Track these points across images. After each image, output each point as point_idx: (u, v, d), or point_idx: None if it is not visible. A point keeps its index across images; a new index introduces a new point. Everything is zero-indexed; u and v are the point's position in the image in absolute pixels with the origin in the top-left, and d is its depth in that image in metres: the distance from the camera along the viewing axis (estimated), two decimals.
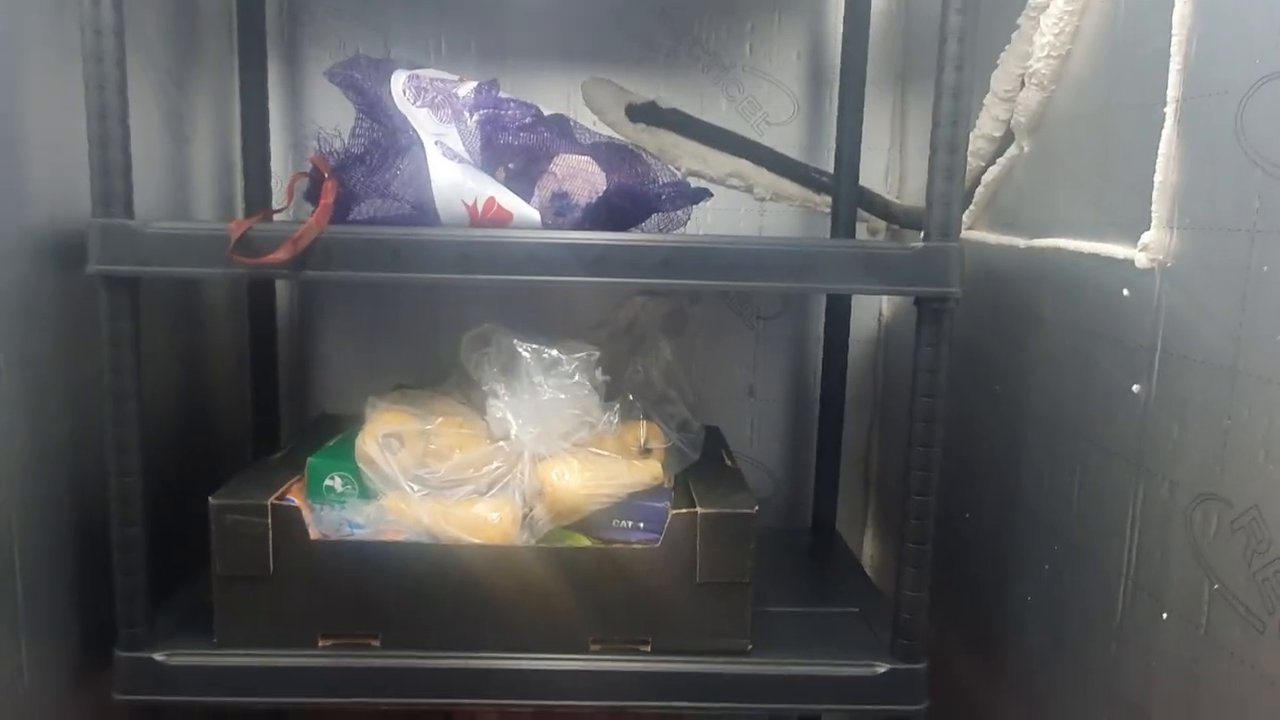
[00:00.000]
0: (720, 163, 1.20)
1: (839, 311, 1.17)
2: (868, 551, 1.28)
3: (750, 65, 1.19)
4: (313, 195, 0.88)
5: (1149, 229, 0.66)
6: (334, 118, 1.12)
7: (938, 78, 0.79)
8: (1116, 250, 0.70)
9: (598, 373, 0.88)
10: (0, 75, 0.77)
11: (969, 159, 0.93)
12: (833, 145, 1.17)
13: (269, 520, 0.83)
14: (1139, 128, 0.68)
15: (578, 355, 0.86)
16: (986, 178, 0.92)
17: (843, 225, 1.15)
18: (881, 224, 1.22)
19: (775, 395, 1.26)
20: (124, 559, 0.82)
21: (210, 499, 0.84)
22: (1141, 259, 0.66)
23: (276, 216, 1.03)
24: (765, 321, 1.24)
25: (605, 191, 0.84)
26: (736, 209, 1.21)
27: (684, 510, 0.85)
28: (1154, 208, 0.65)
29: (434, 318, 1.21)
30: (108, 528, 0.81)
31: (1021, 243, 0.87)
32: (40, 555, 0.83)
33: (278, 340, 1.16)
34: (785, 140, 1.21)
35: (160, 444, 1.00)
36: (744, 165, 1.20)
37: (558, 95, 1.18)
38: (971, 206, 0.96)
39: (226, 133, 1.13)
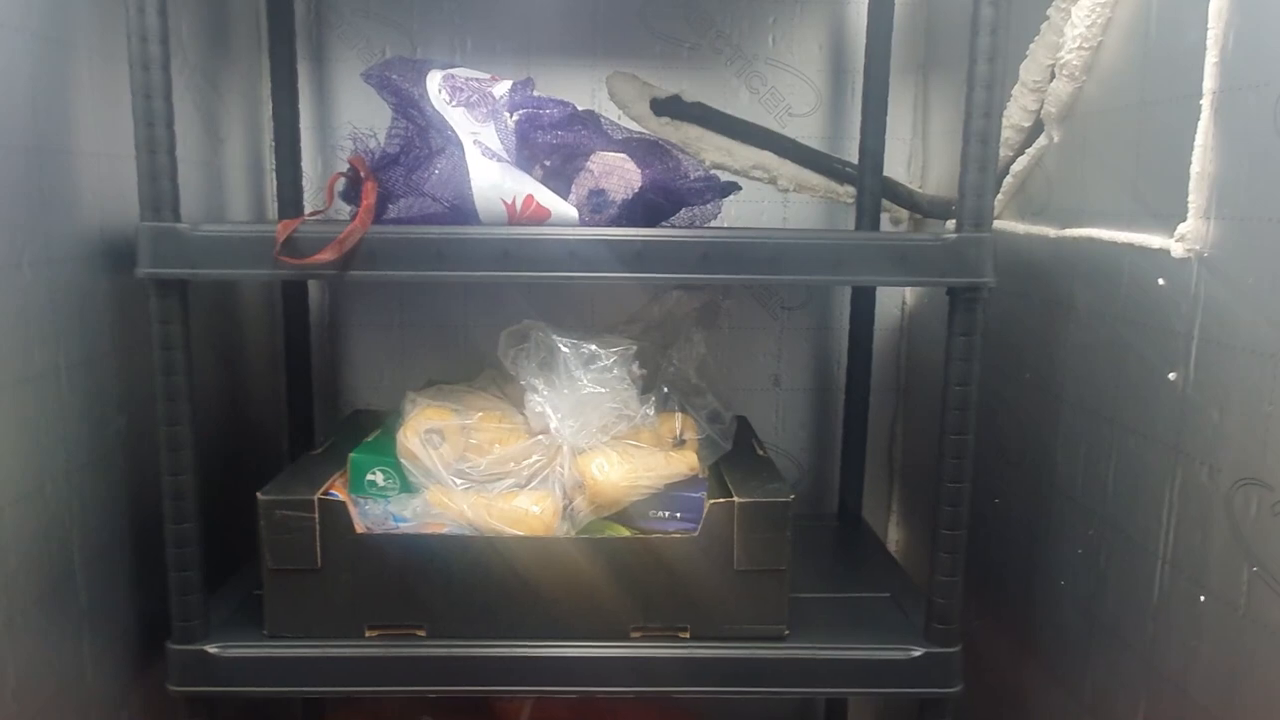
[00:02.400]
0: (744, 155, 1.21)
1: (863, 300, 1.18)
2: (893, 538, 1.30)
3: (772, 57, 1.20)
4: (350, 195, 0.90)
5: (1185, 219, 0.67)
6: (362, 117, 1.15)
7: (969, 70, 0.80)
8: (1152, 240, 0.71)
9: (635, 366, 0.90)
10: (49, 83, 0.78)
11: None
12: (854, 136, 1.18)
13: (316, 515, 0.85)
14: (1174, 120, 0.69)
15: (615, 349, 0.88)
16: (1015, 168, 0.93)
17: (867, 216, 1.16)
18: (904, 213, 1.23)
19: (800, 384, 1.28)
20: (178, 555, 0.84)
21: (258, 494, 0.85)
22: (1178, 249, 0.67)
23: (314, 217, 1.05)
24: (789, 311, 1.26)
25: (640, 188, 0.85)
26: (760, 200, 1.23)
27: (722, 500, 0.87)
28: (1190, 199, 0.66)
29: (463, 313, 1.22)
30: (160, 524, 0.83)
31: (1052, 232, 0.88)
32: (98, 552, 0.85)
33: (311, 336, 1.18)
34: (807, 131, 1.22)
35: (201, 440, 1.02)
36: (767, 157, 1.21)
37: (583, 91, 1.19)
38: (999, 195, 0.97)
39: (257, 133, 1.15)
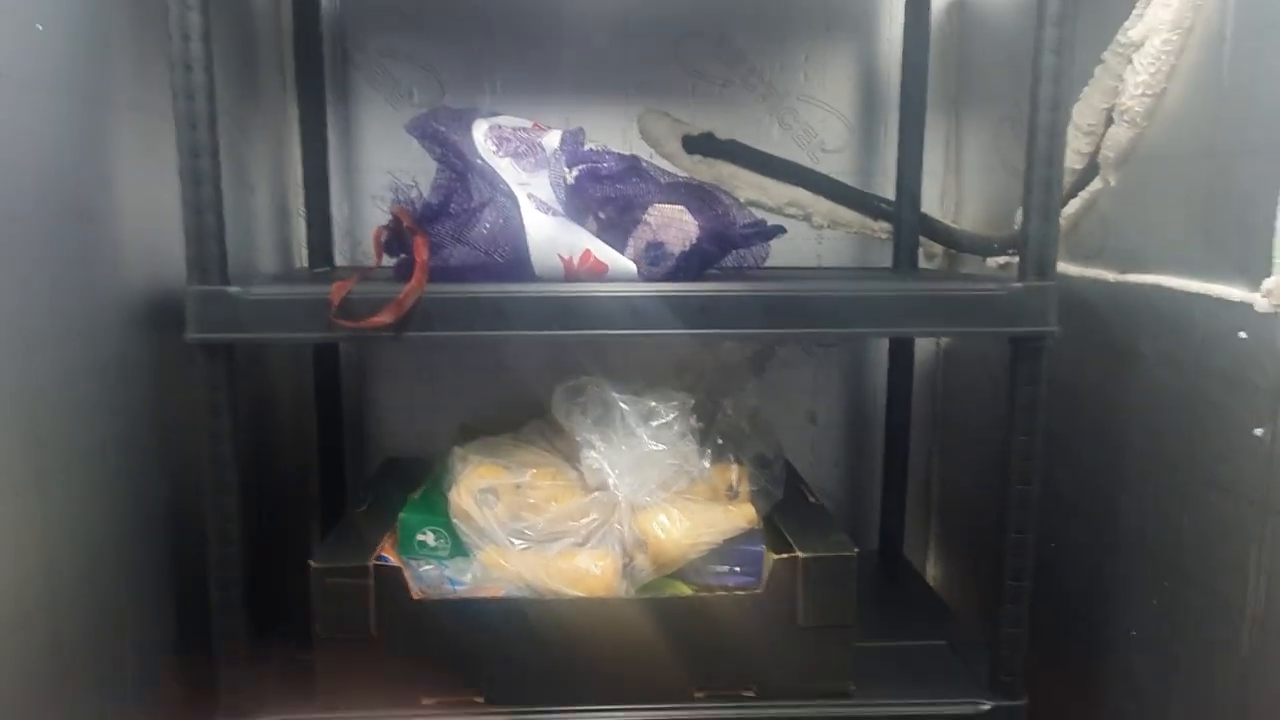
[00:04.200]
0: (778, 192, 1.19)
1: (902, 337, 1.17)
2: (931, 573, 1.29)
3: (805, 93, 1.19)
4: (393, 247, 0.87)
5: (1270, 274, 0.66)
6: (390, 160, 1.12)
7: (1030, 118, 0.79)
8: (1231, 292, 0.70)
9: (692, 419, 0.88)
10: (90, 144, 0.75)
11: None
12: (888, 171, 1.17)
13: (370, 582, 0.82)
14: (1252, 171, 0.68)
15: (673, 403, 0.86)
16: (1067, 210, 0.92)
17: (904, 252, 1.15)
18: (938, 249, 1.22)
19: (836, 420, 1.27)
20: (224, 624, 0.81)
21: (311, 562, 0.82)
22: (1263, 303, 0.67)
23: (346, 263, 1.02)
24: (825, 349, 1.24)
25: (697, 239, 0.84)
26: (793, 237, 1.21)
27: (785, 555, 0.85)
28: (1276, 254, 0.65)
29: (493, 359, 1.20)
30: (205, 591, 0.80)
31: (1111, 276, 0.87)
32: (144, 622, 0.82)
33: (341, 380, 1.15)
34: (841, 167, 1.20)
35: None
36: (801, 194, 1.20)
37: (613, 130, 1.17)
38: None
39: (284, 178, 1.12)
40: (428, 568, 0.86)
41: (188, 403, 0.78)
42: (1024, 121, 0.77)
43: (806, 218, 1.21)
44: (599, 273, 0.81)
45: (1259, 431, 0.68)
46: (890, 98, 1.16)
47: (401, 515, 0.88)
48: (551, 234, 0.80)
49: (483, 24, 1.14)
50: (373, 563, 0.83)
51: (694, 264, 0.85)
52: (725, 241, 0.88)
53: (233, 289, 0.76)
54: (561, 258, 0.81)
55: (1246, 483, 0.70)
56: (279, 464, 1.14)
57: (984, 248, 1.12)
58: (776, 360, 1.23)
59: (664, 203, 0.85)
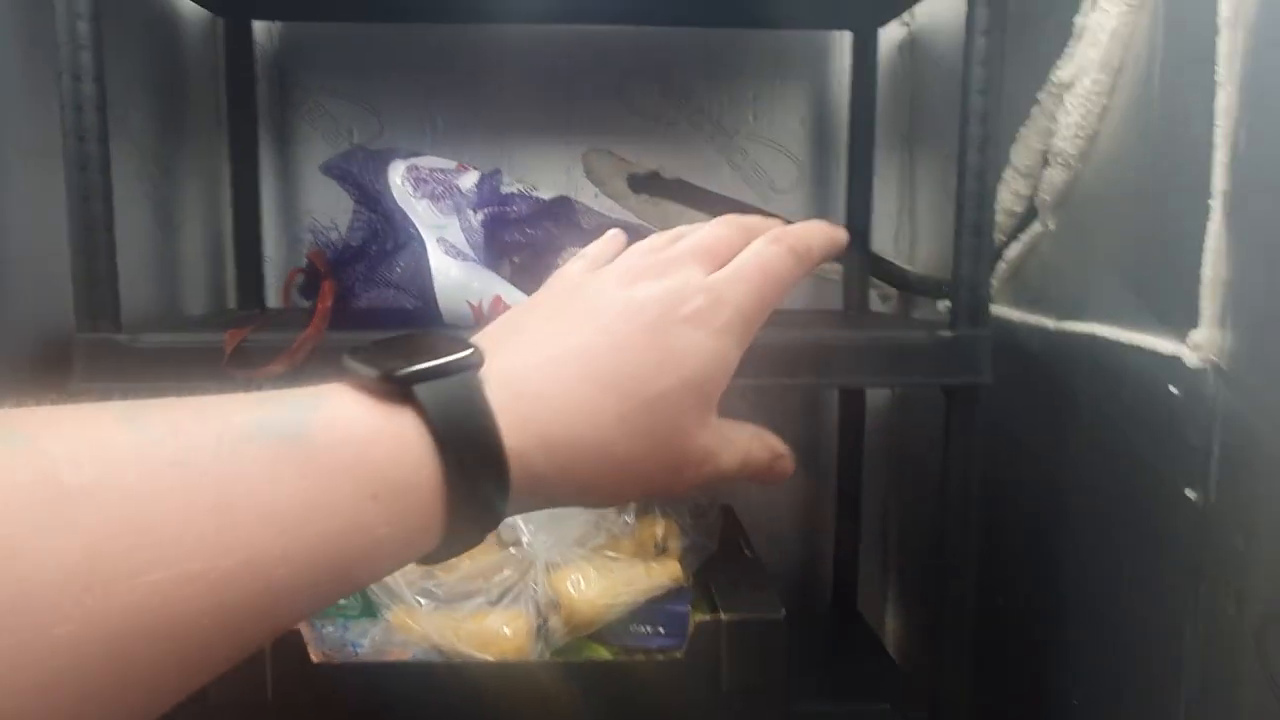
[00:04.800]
0: None
1: (821, 388, 1.13)
2: (890, 627, 1.24)
3: (754, 132, 1.16)
4: (309, 291, 0.85)
5: (1197, 325, 0.62)
6: (327, 200, 1.10)
7: (960, 160, 0.76)
8: (1161, 344, 0.67)
9: None
10: None
11: None
12: (841, 211, 1.14)
13: (266, 646, 0.78)
14: (1180, 216, 0.65)
15: None
16: (1009, 254, 0.89)
17: (854, 294, 1.12)
18: (893, 291, 1.18)
19: None
20: None
21: None
22: (1192, 357, 0.63)
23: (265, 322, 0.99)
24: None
25: None
26: None
27: (707, 617, 0.81)
28: (1203, 304, 0.61)
29: None
30: None
31: (1051, 324, 0.83)
32: None
33: None
34: (792, 207, 1.18)
35: None
36: None
37: (557, 169, 1.15)
38: (993, 281, 0.92)
39: (217, 217, 1.10)
40: (330, 629, 0.81)
41: None
42: None
43: None
44: None
45: (1190, 493, 0.64)
46: (841, 137, 1.14)
47: None
48: (460, 279, 0.77)
49: (425, 62, 1.12)
50: None
51: None
52: None
53: (121, 337, 0.73)
54: (470, 304, 0.77)
55: (1180, 548, 0.65)
56: None
57: (935, 289, 1.09)
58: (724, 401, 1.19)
59: (584, 246, 0.81)
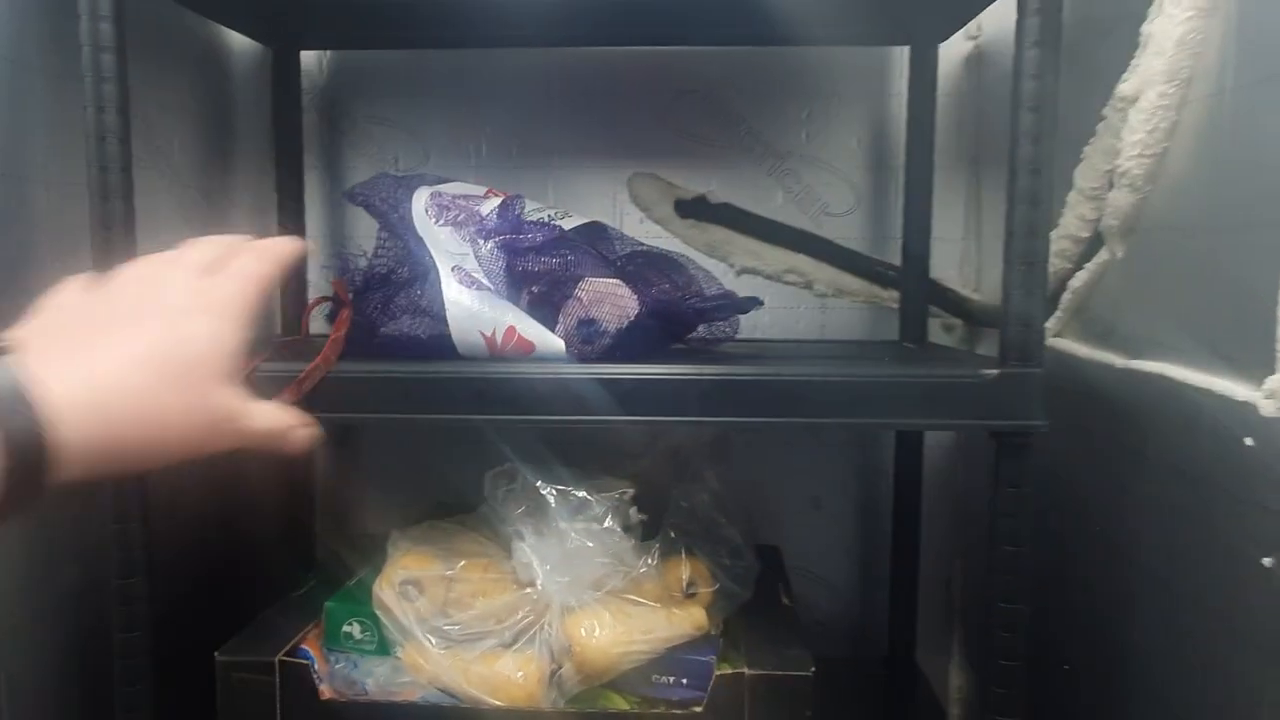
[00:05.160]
0: (776, 258, 1.11)
1: (857, 430, 1.05)
2: (954, 683, 1.15)
3: (807, 154, 1.11)
4: (335, 318, 0.84)
5: (1275, 371, 0.54)
6: (372, 227, 1.09)
7: (1009, 183, 0.69)
8: (1235, 389, 0.59)
9: (632, 511, 0.80)
10: (6, 215, 0.74)
11: (1053, 260, 0.83)
12: (896, 235, 1.07)
13: (276, 679, 0.77)
14: (1256, 249, 0.57)
15: (608, 495, 0.78)
16: (1074, 283, 0.81)
17: (912, 323, 1.05)
18: (957, 321, 1.11)
19: (843, 507, 1.15)
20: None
21: (216, 654, 0.78)
22: (1268, 406, 0.55)
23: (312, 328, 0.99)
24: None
25: (638, 315, 0.76)
26: (795, 306, 1.12)
27: (730, 670, 0.76)
28: (1279, 348, 0.54)
29: (476, 432, 1.14)
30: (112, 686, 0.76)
31: (1119, 361, 0.75)
32: (49, 710, 0.78)
33: (317, 456, 1.12)
34: (847, 232, 1.12)
35: (196, 572, 0.96)
36: (802, 260, 1.11)
37: (603, 193, 1.12)
38: (1058, 313, 0.85)
39: None
40: (341, 665, 0.80)
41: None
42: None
43: (808, 286, 1.12)
44: (524, 351, 0.75)
45: (1268, 562, 0.55)
46: (899, 157, 1.07)
47: (328, 604, 0.83)
48: (472, 309, 0.75)
49: (470, 89, 1.12)
50: (279, 658, 0.77)
51: (636, 341, 0.78)
52: (675, 317, 0.81)
53: None
54: (483, 335, 0.75)
55: (1256, 625, 0.57)
56: (251, 544, 1.10)
57: (999, 319, 1.01)
58: (778, 436, 1.13)
59: (603, 276, 0.78)
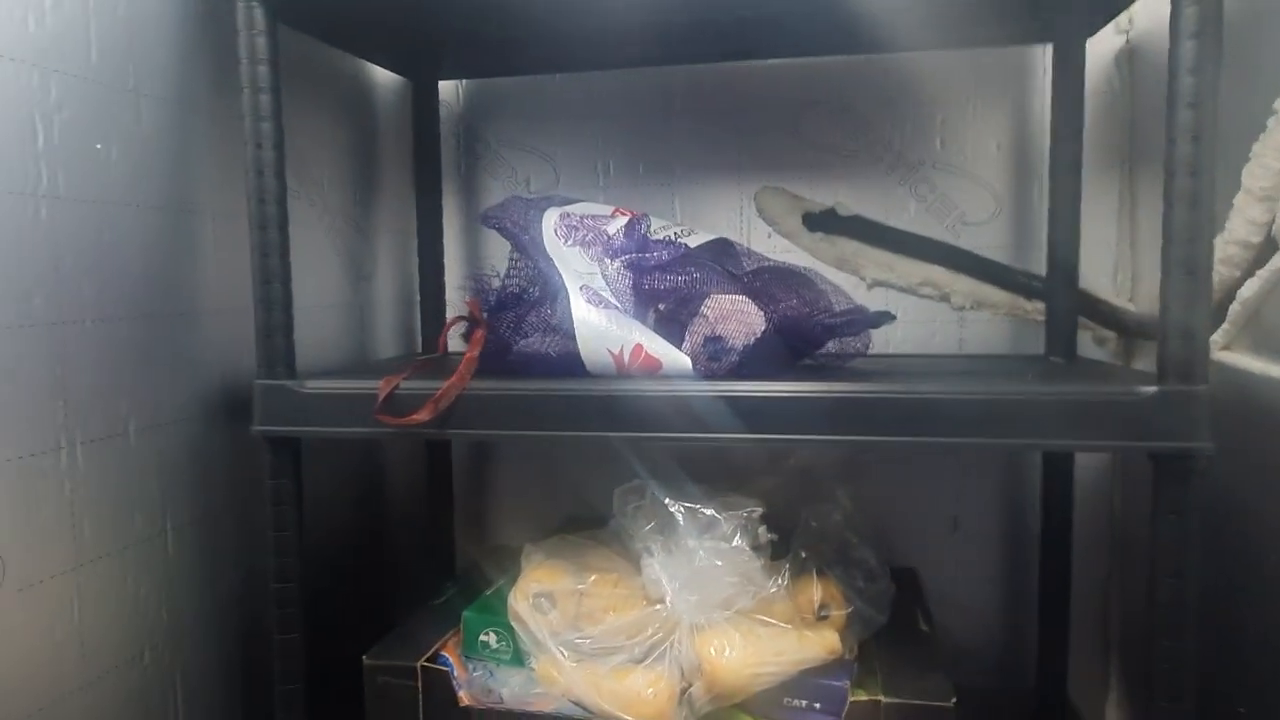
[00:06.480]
0: (909, 270, 1.08)
1: (999, 450, 0.99)
2: (1111, 719, 1.07)
3: (941, 161, 1.07)
4: (470, 338, 0.87)
5: None
6: (506, 248, 1.13)
7: (1166, 184, 0.65)
8: None
9: (761, 530, 0.79)
10: (177, 250, 0.81)
11: (1219, 267, 0.77)
12: (1042, 243, 1.02)
13: (418, 684, 0.80)
14: None
15: (736, 513, 0.77)
16: (1244, 293, 0.75)
17: (1060, 337, 0.99)
18: (1110, 333, 1.04)
19: (984, 528, 1.10)
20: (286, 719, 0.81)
21: (364, 658, 0.82)
22: None
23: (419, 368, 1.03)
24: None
25: (764, 331, 0.76)
26: (931, 320, 1.08)
27: (865, 698, 0.73)
28: None
29: (607, 448, 1.16)
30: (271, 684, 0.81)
31: None
32: (212, 706, 0.84)
33: (454, 468, 1.16)
34: (986, 241, 1.07)
35: (342, 578, 1.01)
36: (937, 272, 1.07)
37: (730, 208, 1.12)
38: (1226, 325, 0.78)
39: (406, 267, 1.16)
40: (479, 673, 0.82)
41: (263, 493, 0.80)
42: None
43: (944, 298, 1.07)
44: (652, 369, 0.75)
45: None
46: (1044, 161, 1.02)
47: (466, 614, 0.86)
48: (600, 327, 0.76)
49: (597, 109, 1.14)
50: (420, 664, 0.80)
51: (763, 358, 0.77)
52: (802, 333, 0.79)
53: (292, 382, 0.78)
54: (611, 352, 0.76)
55: None
56: (390, 551, 1.16)
57: (1157, 331, 0.94)
58: (908, 454, 1.09)
59: (729, 292, 0.77)
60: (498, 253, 1.17)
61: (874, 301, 1.07)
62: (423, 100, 1.11)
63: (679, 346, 0.76)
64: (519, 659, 0.83)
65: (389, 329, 1.15)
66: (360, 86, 1.09)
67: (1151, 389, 0.65)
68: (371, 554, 1.11)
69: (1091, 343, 1.05)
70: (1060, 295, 0.99)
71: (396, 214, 1.15)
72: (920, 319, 1.08)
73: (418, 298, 1.14)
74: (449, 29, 0.93)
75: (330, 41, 0.97)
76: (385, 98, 1.14)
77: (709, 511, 0.77)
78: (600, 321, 0.76)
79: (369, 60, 1.07)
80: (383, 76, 1.12)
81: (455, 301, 1.17)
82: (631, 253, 0.77)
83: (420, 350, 1.14)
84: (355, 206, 1.06)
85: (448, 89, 1.15)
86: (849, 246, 1.09)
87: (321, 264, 1.00)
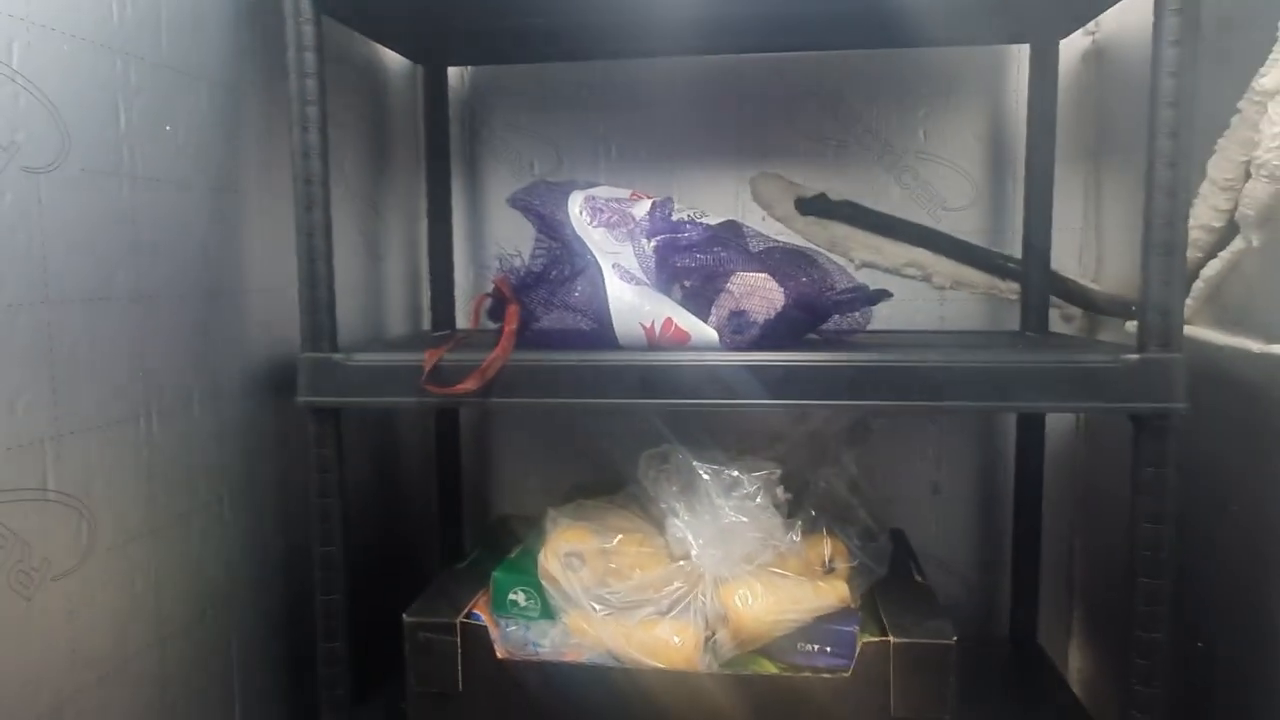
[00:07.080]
0: (895, 252, 1.15)
1: (997, 412, 1.08)
2: (1074, 665, 1.17)
3: (924, 151, 1.15)
4: (496, 314, 0.91)
5: None
6: (510, 228, 1.18)
7: (1147, 176, 0.73)
8: None
9: (779, 490, 0.86)
10: (223, 230, 0.84)
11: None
12: (1018, 229, 1.11)
13: (458, 639, 0.85)
14: None
15: (758, 474, 0.84)
16: (1206, 272, 0.84)
17: (1033, 314, 1.08)
18: (1076, 310, 1.13)
19: (962, 492, 1.19)
20: (328, 674, 0.85)
21: (404, 615, 0.86)
22: None
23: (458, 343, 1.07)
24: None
25: (784, 306, 0.82)
26: (914, 299, 1.16)
27: (876, 639, 0.81)
28: None
29: (610, 420, 1.21)
30: (314, 643, 0.85)
31: (1256, 346, 0.78)
32: (256, 674, 0.88)
33: (460, 442, 1.21)
34: (965, 226, 1.15)
35: (355, 551, 1.05)
36: (920, 254, 1.15)
37: (726, 193, 1.18)
38: (1190, 300, 0.87)
39: (415, 247, 1.20)
40: (514, 628, 0.87)
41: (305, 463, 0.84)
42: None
43: (926, 279, 1.16)
44: (681, 341, 0.81)
45: None
46: (1018, 153, 1.10)
47: (495, 574, 0.91)
48: (633, 302, 0.81)
49: (599, 96, 1.19)
50: (460, 620, 0.85)
51: (781, 332, 0.83)
52: (816, 308, 0.86)
53: (337, 356, 0.82)
54: (643, 326, 0.82)
55: None
56: (402, 521, 1.20)
57: (1122, 309, 1.03)
58: (897, 425, 1.18)
59: (751, 270, 0.84)
60: (501, 232, 1.22)
61: (862, 281, 1.14)
62: (433, 85, 1.14)
63: (705, 320, 0.82)
64: (548, 614, 0.88)
65: (398, 307, 1.18)
66: (373, 71, 1.12)
67: (1135, 356, 0.73)
68: (395, 519, 1.15)
69: (1059, 320, 1.14)
70: (1034, 276, 1.08)
71: (406, 195, 1.18)
72: (904, 298, 1.16)
73: (424, 277, 1.18)
74: (468, 16, 0.97)
75: (357, 28, 1.00)
76: (395, 82, 1.17)
77: (734, 472, 0.84)
78: (633, 297, 0.81)
79: (384, 45, 1.10)
80: (395, 61, 1.15)
81: (462, 281, 1.21)
82: (664, 233, 0.82)
83: (430, 328, 1.18)
84: (374, 188, 1.10)
85: (453, 74, 1.19)
86: (839, 230, 1.16)
87: (344, 244, 1.03)
